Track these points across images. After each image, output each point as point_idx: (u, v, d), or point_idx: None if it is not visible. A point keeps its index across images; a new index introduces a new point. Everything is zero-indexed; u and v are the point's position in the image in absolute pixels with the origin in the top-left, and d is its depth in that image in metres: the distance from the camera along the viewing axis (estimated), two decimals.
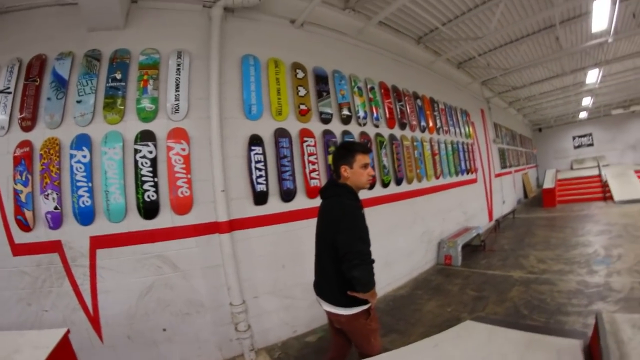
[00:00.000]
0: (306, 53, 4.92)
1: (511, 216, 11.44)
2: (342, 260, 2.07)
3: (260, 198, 4.02)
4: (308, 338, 4.15)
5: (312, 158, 4.53)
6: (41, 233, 3.25)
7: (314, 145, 4.60)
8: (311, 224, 4.15)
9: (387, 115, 6.04)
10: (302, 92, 4.66)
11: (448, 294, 5.17)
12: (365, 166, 2.30)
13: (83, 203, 3.24)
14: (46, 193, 3.21)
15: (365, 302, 2.19)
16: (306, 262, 4.13)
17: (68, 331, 2.09)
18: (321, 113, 4.84)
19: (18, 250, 3.24)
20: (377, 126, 5.76)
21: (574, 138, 23.65)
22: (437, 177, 7.37)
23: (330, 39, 5.40)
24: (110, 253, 3.34)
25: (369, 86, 5.77)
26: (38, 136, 3.32)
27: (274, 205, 4.17)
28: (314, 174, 4.52)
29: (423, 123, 7.10)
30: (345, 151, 2.37)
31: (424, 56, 7.69)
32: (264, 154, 4.09)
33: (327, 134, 4.82)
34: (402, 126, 6.39)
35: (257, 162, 4.02)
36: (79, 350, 2.20)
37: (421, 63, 7.65)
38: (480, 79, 10.75)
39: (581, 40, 8.46)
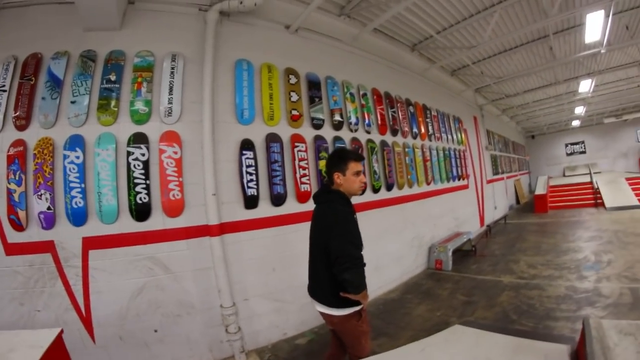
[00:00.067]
0: (300, 58, 5.03)
1: (503, 222, 11.64)
2: (334, 264, 2.18)
3: (250, 202, 4.11)
4: (298, 341, 4.23)
5: (302, 163, 4.64)
6: (34, 233, 3.30)
7: (305, 151, 4.71)
8: (301, 228, 4.29)
9: (379, 122, 6.19)
10: (295, 97, 4.77)
11: (438, 299, 5.28)
12: (357, 173, 2.43)
13: (76, 204, 3.31)
14: (39, 193, 3.27)
15: (357, 303, 2.31)
16: (296, 266, 4.21)
17: (62, 331, 2.14)
18: (313, 119, 4.95)
19: (11, 249, 3.29)
20: (368, 132, 5.89)
21: (566, 145, 24.19)
22: (428, 183, 7.52)
23: (324, 45, 5.51)
24: (103, 254, 3.41)
25: (361, 92, 5.90)
26: (32, 136, 3.37)
27: (265, 209, 4.26)
28: (304, 179, 4.63)
29: (415, 130, 7.25)
30: (338, 158, 2.50)
31: (418, 63, 7.85)
32: (255, 158, 4.18)
33: (318, 139, 4.93)
34: (394, 132, 6.54)
35: (248, 166, 4.12)
36: (71, 350, 2.26)
37: (415, 70, 7.80)
38: (474, 87, 10.98)
39: (574, 50, 8.70)
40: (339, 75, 5.56)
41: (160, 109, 3.73)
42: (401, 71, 7.27)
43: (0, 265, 3.27)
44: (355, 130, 5.61)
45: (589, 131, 22.83)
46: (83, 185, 3.35)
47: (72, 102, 3.45)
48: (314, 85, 5.07)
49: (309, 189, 4.64)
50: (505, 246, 8.30)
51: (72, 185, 3.33)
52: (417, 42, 7.32)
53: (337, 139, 5.23)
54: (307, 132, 4.86)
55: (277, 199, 4.34)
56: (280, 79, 4.70)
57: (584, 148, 23.63)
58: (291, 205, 4.51)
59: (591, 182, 14.46)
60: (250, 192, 4.10)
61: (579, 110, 16.22)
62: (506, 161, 15.81)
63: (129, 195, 3.46)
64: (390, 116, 6.48)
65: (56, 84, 3.45)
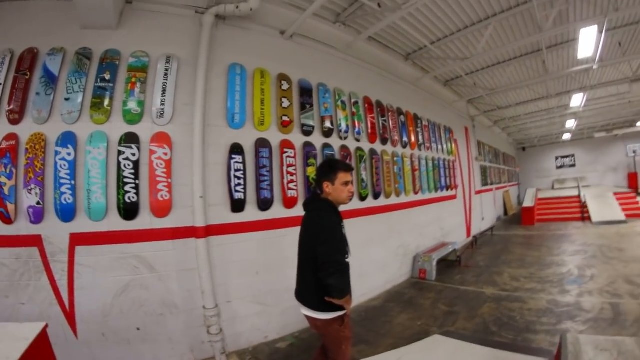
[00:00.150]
0: (293, 65, 5.19)
1: (489, 233, 11.89)
2: (320, 269, 2.35)
3: (237, 206, 4.25)
4: (278, 344, 4.35)
5: (291, 169, 4.80)
6: (22, 226, 3.39)
7: (294, 157, 4.87)
8: (287, 233, 4.51)
9: (369, 130, 6.38)
10: (286, 103, 4.93)
11: (420, 308, 5.41)
12: (346, 184, 2.61)
13: (65, 200, 3.41)
14: (29, 188, 3.36)
15: (340, 308, 2.47)
16: (280, 270, 4.40)
17: (46, 325, 2.25)
18: (303, 125, 5.12)
19: None
20: (358, 140, 6.07)
21: (556, 158, 24.74)
22: (416, 193, 7.74)
23: (318, 51, 5.68)
24: (89, 251, 3.50)
25: (353, 100, 6.09)
26: (25, 130, 3.46)
27: (251, 213, 4.40)
28: (291, 185, 4.78)
29: (405, 139, 7.47)
30: (328, 168, 2.68)
31: (411, 73, 8.06)
32: (244, 162, 4.33)
33: (307, 146, 5.10)
34: (384, 141, 6.74)
35: (237, 170, 4.26)
36: (54, 345, 2.35)
37: (408, 79, 8.01)
38: (467, 98, 11.25)
39: (567, 65, 9.00)
40: (331, 82, 5.73)
41: (152, 110, 3.85)
42: (394, 80, 7.48)
43: None
44: (345, 138, 5.79)
45: (579, 145, 23.38)
46: (73, 182, 3.45)
47: (66, 99, 3.56)
48: (305, 91, 5.23)
49: (296, 195, 4.80)
50: (490, 258, 8.50)
51: (62, 181, 3.43)
52: (411, 52, 7.53)
53: (326, 146, 5.39)
54: (297, 139, 5.02)
55: (264, 204, 4.48)
56: (273, 85, 4.85)
57: (574, 161, 24.19)
58: (277, 211, 4.64)
59: (579, 196, 14.80)
60: (237, 195, 4.24)
61: (570, 124, 16.67)
62: (496, 172, 16.17)
63: (118, 194, 3.58)
64: (380, 125, 6.68)
65: (51, 80, 3.55)
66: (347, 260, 2.52)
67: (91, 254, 3.51)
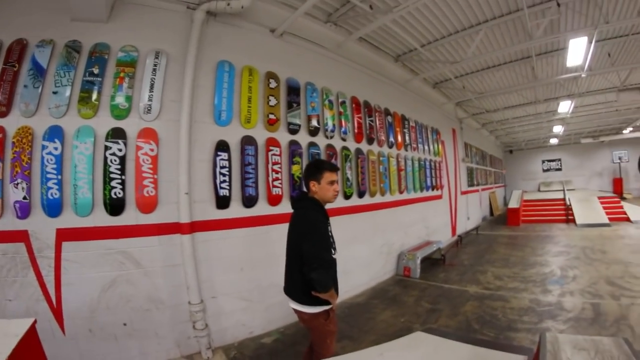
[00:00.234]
0: (282, 63, 5.28)
1: (475, 232, 12.25)
2: (305, 264, 2.52)
3: (222, 202, 4.36)
4: (263, 339, 4.46)
5: (276, 167, 4.92)
6: (8, 222, 3.39)
7: (279, 155, 4.99)
8: (271, 230, 4.70)
9: (356, 130, 6.54)
10: (273, 101, 5.04)
11: (403, 305, 5.57)
12: (331, 183, 2.78)
13: (52, 195, 3.44)
14: (16, 182, 3.38)
15: (326, 303, 2.65)
16: (264, 267, 4.56)
17: (35, 321, 2.29)
18: (289, 123, 5.24)
19: None
20: (344, 140, 6.22)
21: (543, 162, 25.49)
22: (401, 192, 7.94)
23: (308, 50, 5.79)
24: (76, 246, 3.53)
25: (340, 100, 6.22)
26: (12, 123, 3.45)
27: (236, 210, 4.49)
28: (276, 183, 4.91)
29: (391, 139, 7.66)
30: (314, 168, 2.85)
31: (401, 74, 8.24)
32: (229, 160, 4.43)
33: (293, 144, 5.23)
34: (370, 141, 6.90)
35: (222, 167, 4.36)
36: (41, 341, 2.40)
37: (397, 81, 8.18)
38: (455, 100, 11.52)
39: (556, 72, 9.31)
40: (319, 81, 5.85)
41: (140, 106, 3.91)
42: (383, 81, 7.63)
43: None
44: (331, 137, 5.93)
45: (566, 149, 24.09)
46: (60, 177, 3.49)
47: (54, 93, 3.57)
48: (293, 90, 5.35)
49: (280, 193, 4.93)
50: (475, 257, 8.75)
51: (49, 176, 3.46)
52: (402, 54, 7.70)
53: (312, 144, 5.51)
54: (283, 137, 5.13)
55: (249, 201, 4.60)
56: (261, 83, 4.94)
57: (560, 165, 24.95)
58: (262, 208, 4.75)
59: (564, 199, 15.20)
60: (222, 192, 4.35)
61: (558, 129, 17.10)
62: (482, 174, 16.55)
63: (104, 189, 3.64)
64: (367, 125, 6.84)
65: (39, 72, 3.55)
66: (334, 256, 2.72)
67: (78, 249, 3.54)
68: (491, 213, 17.82)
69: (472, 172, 14.61)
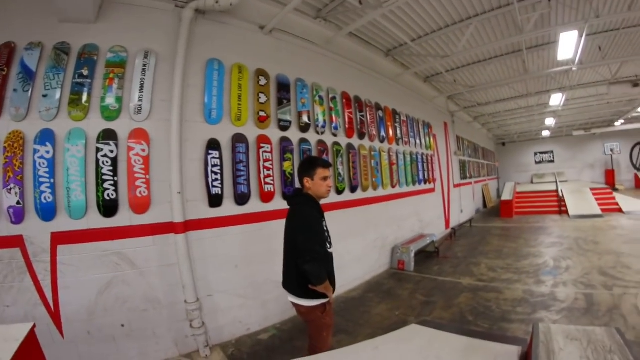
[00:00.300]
0: (271, 60, 5.34)
1: (468, 225, 12.43)
2: (298, 257, 2.64)
3: (215, 200, 4.42)
4: (260, 336, 4.54)
5: (267, 164, 4.99)
6: (3, 227, 3.39)
7: (271, 152, 5.06)
8: (264, 227, 4.81)
9: (347, 125, 6.63)
10: (263, 99, 5.10)
11: (398, 298, 5.68)
12: (324, 179, 2.92)
13: (45, 199, 3.46)
14: (9, 187, 3.38)
15: (323, 296, 2.77)
16: (258, 263, 4.67)
17: (34, 325, 2.32)
18: (280, 120, 5.30)
19: None
20: (335, 135, 6.31)
21: (535, 154, 25.89)
22: (394, 186, 8.06)
23: (297, 47, 5.85)
24: (71, 249, 3.56)
25: (330, 96, 6.30)
26: (2, 128, 3.45)
27: (229, 208, 4.57)
28: (268, 180, 4.99)
29: (383, 133, 7.77)
30: (308, 165, 3.00)
31: (391, 69, 8.34)
32: (220, 158, 4.49)
33: (284, 141, 5.30)
34: (361, 136, 7.00)
35: (214, 165, 4.43)
36: (41, 345, 2.45)
37: (387, 75, 8.27)
38: (447, 94, 11.64)
39: (547, 66, 9.47)
40: (309, 77, 5.91)
41: (130, 106, 3.94)
42: (373, 76, 7.71)
43: None
44: (322, 133, 6.01)
45: (558, 142, 24.50)
46: (52, 180, 3.51)
47: (44, 96, 3.57)
48: (283, 87, 5.41)
49: (272, 190, 5.01)
50: (468, 249, 8.91)
51: (41, 180, 3.47)
52: (392, 48, 7.80)
53: (303, 141, 5.59)
54: (274, 134, 5.19)
55: (241, 199, 4.67)
56: (250, 80, 4.99)
57: (553, 157, 25.37)
58: (255, 205, 4.83)
59: (557, 191, 15.43)
60: (214, 191, 4.41)
61: (549, 121, 17.36)
62: (475, 167, 16.77)
63: (97, 191, 3.67)
64: (358, 120, 6.94)
65: (29, 76, 3.55)
66: (330, 250, 2.88)
67: (73, 252, 3.57)
68: (484, 205, 18.07)
69: (465, 165, 14.78)
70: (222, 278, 4.47)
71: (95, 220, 3.68)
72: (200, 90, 4.50)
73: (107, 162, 3.75)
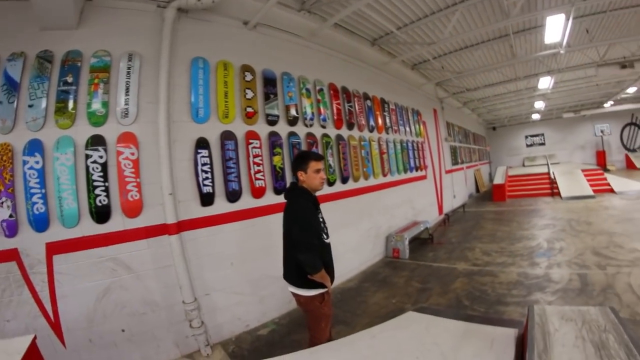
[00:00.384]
0: (257, 55, 5.36)
1: (461, 210, 12.66)
2: (294, 248, 2.80)
3: (206, 199, 4.49)
4: (260, 332, 4.63)
5: (257, 160, 5.06)
6: None
7: (260, 147, 5.12)
8: (257, 223, 4.91)
9: (335, 116, 6.71)
10: (250, 94, 5.14)
11: (394, 286, 5.78)
12: (317, 171, 3.05)
13: (37, 210, 3.47)
14: (1, 201, 3.38)
15: (321, 286, 2.90)
16: (253, 260, 4.77)
17: (35, 337, 2.38)
18: (268, 115, 5.35)
19: None
20: (324, 127, 6.39)
21: (526, 137, 26.25)
22: (385, 175, 8.18)
23: (282, 40, 5.88)
24: (67, 258, 3.58)
25: (317, 88, 6.36)
26: None
27: (221, 205, 4.63)
28: (259, 175, 5.06)
29: (372, 123, 7.87)
30: (301, 159, 3.12)
31: (378, 57, 8.39)
32: (210, 156, 4.54)
33: (273, 135, 5.36)
34: (350, 126, 7.09)
35: (204, 164, 4.48)
36: (43, 356, 2.51)
37: (374, 64, 8.32)
38: (435, 81, 11.72)
39: (535, 49, 9.56)
40: (295, 71, 5.96)
41: (117, 110, 3.96)
42: (360, 65, 7.76)
43: None
44: (311, 125, 6.07)
45: (548, 124, 24.81)
46: (44, 191, 3.52)
47: (30, 106, 3.57)
48: (269, 81, 5.46)
49: (263, 185, 5.08)
50: (462, 234, 9.08)
51: (32, 191, 3.48)
52: (378, 37, 7.84)
53: (292, 134, 5.66)
54: (262, 129, 5.24)
55: (233, 196, 4.73)
56: (236, 77, 5.02)
57: (544, 140, 25.72)
58: (246, 201, 4.90)
59: (548, 173, 15.61)
60: (206, 189, 4.47)
61: (539, 105, 17.58)
62: (466, 152, 16.94)
63: (89, 198, 3.70)
64: (346, 110, 7.01)
65: (13, 87, 3.54)
66: (327, 241, 3.03)
67: (69, 261, 3.59)
68: (477, 190, 18.30)
69: (456, 150, 14.94)
70: (218, 276, 4.54)
71: (88, 227, 3.70)
72: (187, 90, 4.52)
73: (97, 168, 3.77)
